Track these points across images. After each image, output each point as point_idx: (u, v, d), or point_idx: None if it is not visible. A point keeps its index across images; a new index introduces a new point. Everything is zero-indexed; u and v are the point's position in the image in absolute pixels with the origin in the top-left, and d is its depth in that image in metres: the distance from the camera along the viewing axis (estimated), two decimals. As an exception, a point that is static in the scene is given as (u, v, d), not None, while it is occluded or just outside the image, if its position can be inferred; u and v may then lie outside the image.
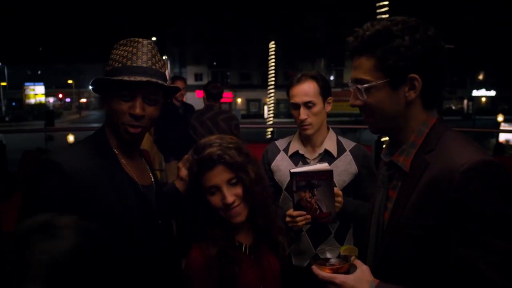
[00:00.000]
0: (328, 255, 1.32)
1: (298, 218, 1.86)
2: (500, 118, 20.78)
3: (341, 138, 2.24)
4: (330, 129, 2.23)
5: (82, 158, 1.31)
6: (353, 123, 20.62)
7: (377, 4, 7.73)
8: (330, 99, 2.15)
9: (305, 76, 2.11)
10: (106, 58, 1.42)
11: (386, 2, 7.50)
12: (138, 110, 1.34)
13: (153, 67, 1.37)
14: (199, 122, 4.56)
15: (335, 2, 31.78)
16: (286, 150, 2.24)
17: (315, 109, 2.09)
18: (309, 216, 1.86)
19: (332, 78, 50.71)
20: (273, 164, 2.24)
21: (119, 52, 1.37)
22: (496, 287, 1.02)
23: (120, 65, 1.34)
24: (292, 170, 1.84)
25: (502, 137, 15.68)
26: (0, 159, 7.36)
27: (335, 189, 1.91)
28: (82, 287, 1.02)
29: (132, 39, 1.39)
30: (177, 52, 45.64)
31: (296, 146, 2.22)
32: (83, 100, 63.59)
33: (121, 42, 1.40)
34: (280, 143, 2.30)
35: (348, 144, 2.22)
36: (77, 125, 36.01)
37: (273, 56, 13.96)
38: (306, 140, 2.20)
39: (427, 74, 1.19)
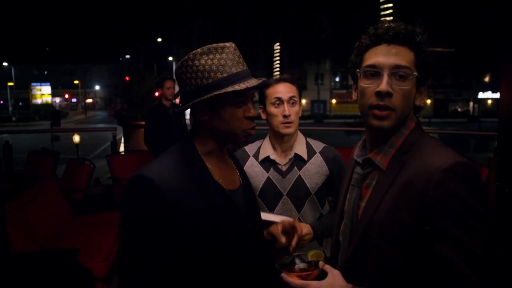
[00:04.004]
0: (296, 261, 1.31)
1: None
2: (505, 120, 20.56)
3: (310, 140, 2.24)
4: (299, 132, 2.22)
5: (171, 169, 1.33)
6: (358, 125, 20.58)
7: (382, 7, 7.76)
8: (300, 104, 2.16)
9: (284, 79, 2.12)
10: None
11: (391, 5, 7.53)
12: (253, 111, 1.41)
13: (245, 67, 1.40)
14: None
15: (341, 3, 31.73)
16: (256, 155, 2.21)
17: (297, 107, 2.10)
18: None
19: (337, 79, 50.67)
20: None
21: (211, 62, 1.33)
22: (472, 284, 1.04)
23: (225, 74, 1.33)
24: None
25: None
26: (6, 158, 7.44)
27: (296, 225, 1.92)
28: None
29: (214, 46, 1.36)
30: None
31: (266, 151, 2.18)
32: (89, 100, 63.88)
33: (204, 51, 1.34)
34: (249, 148, 2.26)
35: (318, 146, 2.22)
36: (83, 126, 36.18)
37: (278, 58, 14.01)
38: (277, 144, 2.17)
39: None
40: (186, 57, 1.36)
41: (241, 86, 1.32)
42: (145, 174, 1.28)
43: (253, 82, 1.35)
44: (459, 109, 50.28)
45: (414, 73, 1.22)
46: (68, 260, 3.28)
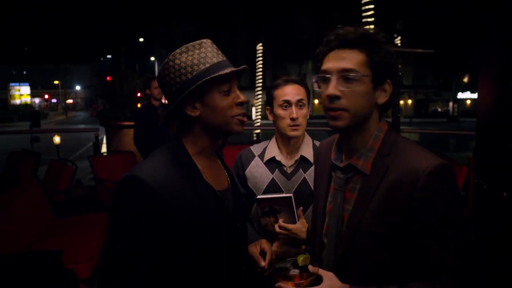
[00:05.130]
0: (289, 267, 1.34)
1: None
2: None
3: (316, 143, 2.19)
4: (306, 134, 2.21)
5: (165, 170, 1.32)
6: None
7: (363, 8, 7.87)
8: (308, 106, 2.16)
9: (293, 80, 2.10)
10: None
11: (372, 6, 7.65)
12: (243, 97, 1.41)
13: (225, 58, 1.42)
14: None
15: (323, 4, 31.98)
16: (261, 156, 2.21)
17: (305, 110, 2.09)
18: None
19: (319, 80, 50.90)
20: (247, 171, 2.20)
21: (191, 58, 1.36)
22: (454, 270, 1.20)
23: (208, 65, 1.35)
24: (257, 197, 1.93)
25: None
26: (-14, 160, 7.30)
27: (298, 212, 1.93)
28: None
29: (192, 44, 1.38)
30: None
31: (272, 151, 2.18)
32: (70, 100, 63.00)
33: (182, 50, 1.37)
34: (255, 149, 2.26)
35: None
36: (63, 126, 35.65)
37: (260, 58, 14.03)
38: (284, 146, 2.16)
39: (393, 84, 1.34)
40: (166, 59, 1.39)
41: (225, 71, 1.34)
42: (137, 175, 1.26)
43: (235, 68, 1.39)
44: (439, 109, 51.08)
45: (364, 73, 1.26)
46: (51, 262, 3.24)
